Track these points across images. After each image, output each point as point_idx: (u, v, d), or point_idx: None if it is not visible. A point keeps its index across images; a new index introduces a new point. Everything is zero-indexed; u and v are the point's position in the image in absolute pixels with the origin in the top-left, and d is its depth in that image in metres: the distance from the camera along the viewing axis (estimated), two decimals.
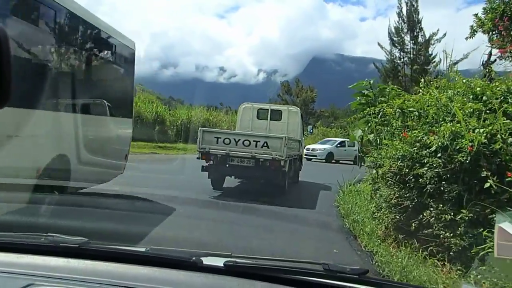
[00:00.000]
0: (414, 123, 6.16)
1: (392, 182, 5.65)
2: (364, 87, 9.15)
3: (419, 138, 5.49)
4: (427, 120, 5.97)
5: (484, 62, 10.51)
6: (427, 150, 5.27)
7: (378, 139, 7.68)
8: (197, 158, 10.22)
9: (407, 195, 5.34)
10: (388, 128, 7.24)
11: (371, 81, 9.22)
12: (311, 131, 15.27)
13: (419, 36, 36.67)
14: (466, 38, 11.52)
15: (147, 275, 1.45)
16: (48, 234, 1.68)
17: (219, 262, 1.51)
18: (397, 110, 6.69)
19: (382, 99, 8.71)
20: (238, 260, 1.53)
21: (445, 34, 35.83)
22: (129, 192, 8.61)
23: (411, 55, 36.17)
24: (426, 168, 5.13)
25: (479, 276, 3.69)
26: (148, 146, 23.23)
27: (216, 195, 10.05)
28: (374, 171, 7.32)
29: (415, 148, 5.43)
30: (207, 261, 1.53)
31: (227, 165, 10.15)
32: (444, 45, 36.64)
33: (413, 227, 5.14)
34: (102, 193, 7.85)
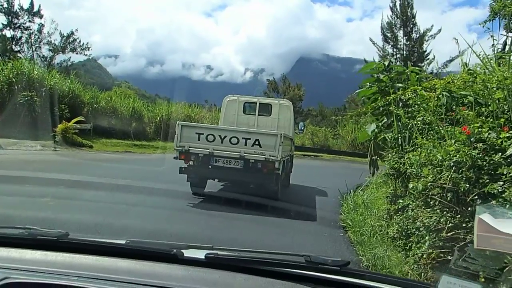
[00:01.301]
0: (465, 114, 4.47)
1: (438, 202, 3.98)
2: (375, 69, 7.52)
3: (482, 135, 3.83)
4: (490, 110, 4.27)
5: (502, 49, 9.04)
6: (500, 154, 3.62)
7: (400, 138, 6.06)
8: (174, 158, 8.50)
9: (467, 223, 3.67)
10: (417, 122, 5.59)
11: (386, 62, 7.60)
12: (303, 128, 13.53)
13: (413, 31, 35.51)
14: (485, 21, 10.03)
15: (127, 268, 1.43)
16: (25, 226, 1.65)
17: (200, 254, 1.50)
18: (443, 94, 4.99)
19: (400, 85, 7.11)
20: (219, 252, 1.52)
21: (439, 30, 34.63)
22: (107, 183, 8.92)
23: (404, 52, 34.95)
24: (501, 183, 3.48)
25: (459, 268, 3.02)
26: (123, 144, 21.42)
27: (196, 202, 8.37)
28: (397, 182, 5.69)
29: (476, 151, 3.77)
30: (188, 253, 1.52)
31: (210, 167, 8.50)
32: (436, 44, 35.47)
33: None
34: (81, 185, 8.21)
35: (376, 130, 6.81)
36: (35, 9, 33.08)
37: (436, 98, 5.11)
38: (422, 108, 5.82)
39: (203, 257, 1.48)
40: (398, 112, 6.17)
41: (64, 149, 18.04)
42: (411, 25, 35.86)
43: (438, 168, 4.12)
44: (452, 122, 5.09)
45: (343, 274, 1.43)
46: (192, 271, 1.45)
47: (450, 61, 31.90)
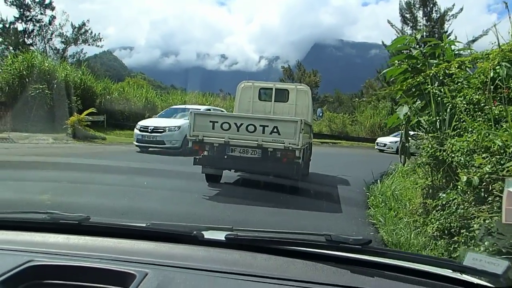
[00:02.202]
0: None
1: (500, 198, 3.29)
2: (406, 45, 6.75)
3: None
4: None
5: None
6: None
7: (439, 121, 5.33)
8: (188, 148, 7.91)
9: None
10: (462, 102, 4.85)
11: (418, 35, 6.83)
12: (321, 114, 12.80)
13: (433, 11, 34.16)
14: None
15: (148, 250, 1.45)
16: (47, 211, 1.67)
17: (220, 235, 1.51)
18: (502, 65, 4.22)
19: (434, 61, 6.34)
20: (239, 233, 1.52)
21: (461, 9, 33.27)
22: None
23: (424, 33, 33.59)
24: None
25: (486, 243, 3.35)
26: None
27: (213, 194, 7.80)
28: (438, 173, 4.96)
29: None
30: (208, 235, 1.53)
31: (226, 157, 7.88)
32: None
33: None
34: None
35: (408, 113, 6.06)
36: (47, 1, 32.75)
37: (492, 70, 4.34)
38: (465, 86, 5.07)
39: (223, 238, 1.49)
40: (436, 91, 5.43)
41: (76, 142, 17.68)
42: (431, 5, 34.52)
43: (497, 157, 3.41)
44: (503, 100, 4.37)
45: (365, 252, 1.40)
46: (212, 252, 1.45)
47: (473, 41, 30.45)
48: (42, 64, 21.72)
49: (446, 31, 33.38)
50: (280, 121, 7.73)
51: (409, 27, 34.42)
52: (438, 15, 33.82)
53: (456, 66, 5.28)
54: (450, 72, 5.51)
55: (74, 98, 20.86)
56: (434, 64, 6.10)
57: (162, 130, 14.72)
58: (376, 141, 28.06)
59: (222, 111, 16.60)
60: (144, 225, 1.65)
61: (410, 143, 6.22)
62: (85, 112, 19.51)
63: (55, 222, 1.62)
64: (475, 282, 1.26)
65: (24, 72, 21.10)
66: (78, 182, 7.84)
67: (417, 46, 6.42)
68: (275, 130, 7.47)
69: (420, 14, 34.36)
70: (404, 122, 6.21)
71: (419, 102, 6.31)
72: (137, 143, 15.01)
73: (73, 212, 1.67)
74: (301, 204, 7.30)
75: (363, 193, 8.43)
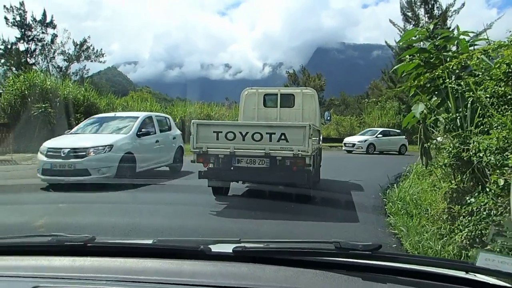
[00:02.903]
0: None
1: None
2: (417, 38, 6.34)
3: None
4: None
5: None
6: None
7: (460, 117, 4.90)
8: (192, 161, 7.54)
9: None
10: (485, 95, 4.43)
11: (431, 26, 6.43)
12: (329, 118, 12.39)
13: (435, 8, 33.69)
14: None
15: (155, 268, 1.44)
16: (52, 234, 1.66)
17: (227, 248, 1.49)
18: None
19: (448, 54, 5.94)
20: (247, 245, 1.49)
21: (463, 4, 32.71)
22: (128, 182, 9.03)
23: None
24: None
25: (498, 242, 3.23)
26: None
27: (221, 207, 7.42)
28: (466, 175, 4.53)
29: None
30: (215, 248, 1.51)
31: (233, 168, 7.51)
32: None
33: None
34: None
35: (425, 111, 5.64)
36: (48, 19, 32.78)
37: None
38: (486, 78, 4.65)
39: (231, 251, 1.46)
40: (454, 85, 5.01)
41: None
42: (432, 2, 34.07)
43: None
44: None
45: (376, 258, 1.36)
46: (220, 266, 1.43)
47: (476, 35, 29.86)
48: (44, 83, 21.59)
49: (449, 27, 32.88)
50: (287, 127, 7.35)
51: (411, 25, 33.89)
52: (440, 12, 33.30)
53: (478, 56, 4.85)
54: (466, 64, 5.10)
55: (77, 115, 20.65)
56: (450, 57, 5.69)
57: (83, 153, 9.48)
58: (343, 141, 26.84)
59: (167, 118, 13.53)
60: (150, 242, 1.64)
61: (430, 143, 5.77)
62: None
63: (60, 244, 1.60)
64: (491, 283, 1.24)
65: (26, 92, 20.96)
66: (81, 202, 7.57)
67: (429, 39, 6.00)
68: (282, 137, 7.08)
69: (422, 11, 33.90)
70: (420, 121, 5.78)
71: (435, 98, 5.89)
72: (42, 176, 9.52)
73: (79, 233, 1.66)
74: (315, 213, 6.91)
75: (380, 199, 7.98)
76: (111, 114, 13.07)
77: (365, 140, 25.64)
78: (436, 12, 33.42)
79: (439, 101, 5.85)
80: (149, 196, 8.75)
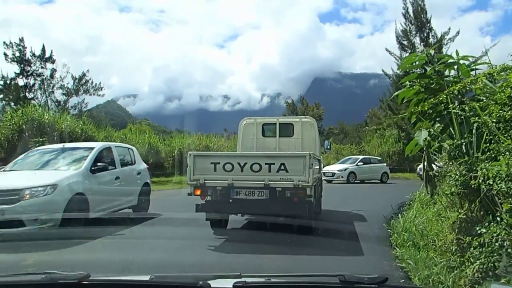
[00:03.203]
0: None
1: None
2: (418, 63, 6.25)
3: None
4: None
5: None
6: None
7: (466, 143, 4.73)
8: (189, 194, 7.31)
9: None
10: (491, 120, 4.27)
11: (431, 51, 6.35)
12: (329, 147, 12.26)
13: (430, 37, 34.15)
14: None
15: None
16: (46, 272, 1.64)
17: (228, 284, 1.46)
18: None
19: (449, 79, 5.85)
20: (247, 280, 1.47)
21: (458, 33, 33.19)
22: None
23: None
24: None
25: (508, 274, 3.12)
26: None
27: (219, 241, 7.14)
28: (475, 204, 4.32)
29: None
30: (215, 284, 1.48)
31: (231, 200, 7.27)
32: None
33: None
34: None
35: (428, 137, 5.47)
36: (47, 54, 33.14)
37: None
38: (491, 102, 4.51)
39: (231, 287, 1.43)
40: (458, 111, 4.86)
41: None
42: (427, 30, 34.59)
43: None
44: None
45: None
46: None
47: (476, 60, 30.10)
48: (42, 117, 21.55)
49: (433, 63, 33.21)
50: (287, 157, 7.18)
51: (407, 53, 34.25)
52: (435, 40, 33.73)
53: (483, 80, 4.72)
54: (469, 89, 4.98)
55: None
56: (451, 82, 5.57)
57: (15, 197, 7.25)
58: (322, 171, 25.23)
59: (130, 148, 11.24)
60: (147, 278, 1.60)
61: (435, 171, 5.58)
62: None
63: (53, 282, 1.57)
64: None
65: (24, 126, 20.88)
66: (73, 238, 7.00)
67: (429, 64, 5.91)
68: (282, 167, 6.90)
69: (417, 40, 34.35)
70: (424, 148, 5.60)
71: (438, 124, 5.73)
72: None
73: (72, 271, 1.61)
74: (317, 245, 6.68)
75: (384, 230, 7.70)
76: (59, 145, 10.32)
77: (346, 169, 24.52)
78: (431, 40, 33.80)
79: (442, 127, 5.69)
80: (145, 230, 8.46)
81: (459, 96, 5.44)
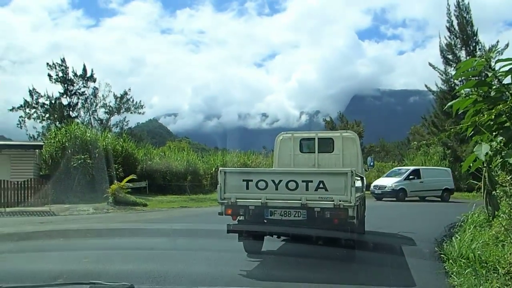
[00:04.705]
0: None
1: None
2: (474, 70, 5.55)
3: None
4: None
5: None
6: None
7: None
8: (219, 213, 6.85)
9: None
10: None
11: (492, 54, 5.66)
12: (372, 163, 11.51)
13: (476, 50, 32.66)
14: None
15: None
16: (90, 281, 1.64)
17: None
18: None
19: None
20: None
21: (507, 45, 31.59)
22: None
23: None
24: None
25: None
26: (179, 200, 20.31)
27: (253, 266, 6.59)
28: None
29: None
30: None
31: (265, 221, 6.75)
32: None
33: None
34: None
35: (490, 152, 4.77)
36: (88, 74, 34.20)
37: None
38: None
39: None
40: None
41: (117, 210, 17.12)
42: (474, 44, 33.14)
43: None
44: None
45: None
46: None
47: None
48: (84, 135, 22.03)
49: (494, 69, 31.57)
50: (326, 174, 6.61)
51: (452, 68, 32.95)
52: (482, 53, 32.21)
53: None
54: None
55: (115, 166, 20.80)
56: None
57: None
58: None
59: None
60: None
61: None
62: (126, 179, 19.27)
63: None
64: None
65: (67, 144, 21.44)
66: (117, 249, 7.70)
67: (490, 68, 5.22)
68: (321, 185, 6.33)
69: (463, 53, 32.92)
70: (485, 164, 4.89)
71: (501, 138, 5.02)
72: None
73: (115, 281, 1.63)
74: (362, 274, 6.00)
75: (436, 255, 6.92)
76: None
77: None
78: (478, 53, 32.32)
79: (505, 141, 4.97)
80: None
81: None
